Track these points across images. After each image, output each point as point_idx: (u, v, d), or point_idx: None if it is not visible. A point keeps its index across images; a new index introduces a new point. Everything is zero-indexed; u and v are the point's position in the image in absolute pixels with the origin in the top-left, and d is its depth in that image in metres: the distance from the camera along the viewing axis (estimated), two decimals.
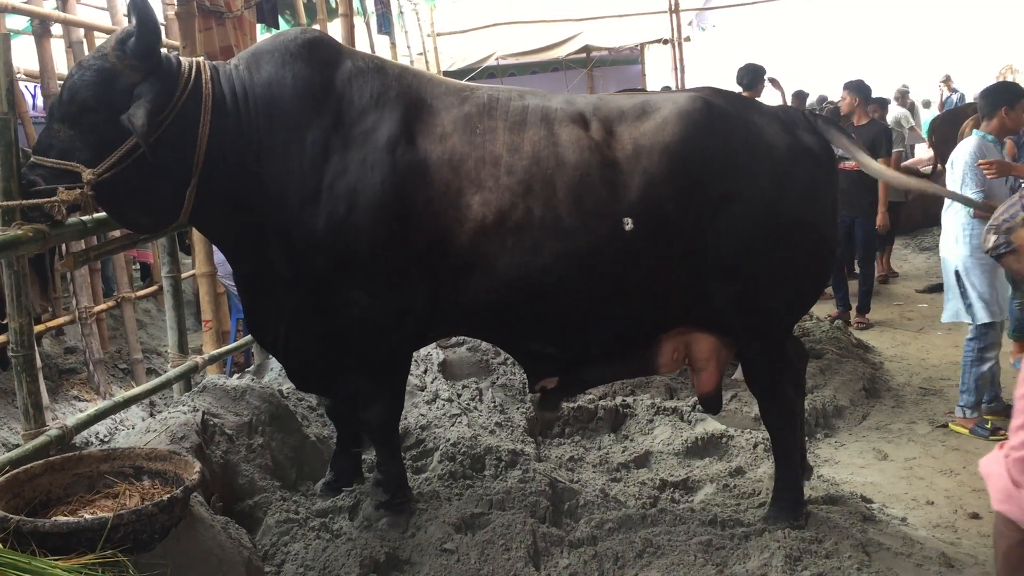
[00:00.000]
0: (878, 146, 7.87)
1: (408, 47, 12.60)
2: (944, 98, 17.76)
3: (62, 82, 3.47)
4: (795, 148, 3.55)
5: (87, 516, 2.93)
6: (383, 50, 10.62)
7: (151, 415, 5.71)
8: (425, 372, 5.29)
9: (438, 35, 14.19)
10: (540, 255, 3.37)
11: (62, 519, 2.83)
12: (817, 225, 3.60)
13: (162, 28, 4.57)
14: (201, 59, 3.46)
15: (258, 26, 6.27)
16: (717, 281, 3.51)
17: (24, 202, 3.12)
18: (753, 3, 16.58)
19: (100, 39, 6.77)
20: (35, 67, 6.47)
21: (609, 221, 3.38)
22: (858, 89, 8.25)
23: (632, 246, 3.39)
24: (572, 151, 3.40)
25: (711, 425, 5.05)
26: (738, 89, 8.23)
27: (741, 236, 3.45)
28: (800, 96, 13.65)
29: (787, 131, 3.59)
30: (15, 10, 5.73)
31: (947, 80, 17.86)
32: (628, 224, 3.37)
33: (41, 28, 6.08)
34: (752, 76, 8.22)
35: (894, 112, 12.78)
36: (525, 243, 3.36)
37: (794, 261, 3.56)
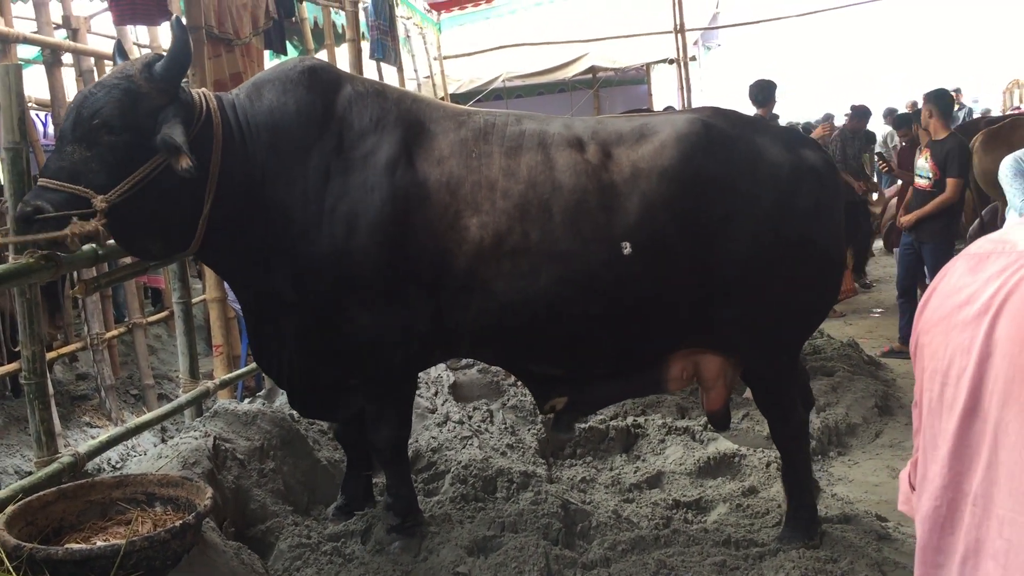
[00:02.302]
0: (949, 163, 7.42)
1: (415, 71, 12.67)
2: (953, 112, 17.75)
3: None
4: (798, 166, 3.55)
5: (100, 543, 2.93)
6: (390, 74, 10.68)
7: (163, 440, 5.73)
8: (436, 394, 5.29)
9: (445, 58, 14.26)
10: (538, 278, 3.37)
11: (75, 546, 2.83)
12: (822, 243, 3.60)
13: None
14: (205, 90, 3.48)
15: (265, 53, 6.32)
16: (722, 301, 3.51)
17: (37, 236, 3.02)
18: (757, 22, 16.66)
19: (109, 67, 6.84)
20: (45, 96, 6.53)
21: (607, 245, 3.37)
22: (937, 100, 7.62)
23: (631, 269, 3.38)
24: (568, 175, 3.40)
25: (723, 444, 5.02)
26: (751, 106, 8.22)
27: (744, 256, 3.45)
28: (828, 118, 13.72)
29: (789, 149, 3.58)
30: (26, 40, 5.79)
31: (956, 93, 17.85)
32: (626, 248, 3.36)
33: (52, 57, 6.15)
34: (765, 92, 8.21)
35: (881, 131, 12.78)
36: (522, 266, 3.37)
37: (799, 279, 3.56)
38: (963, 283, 1.41)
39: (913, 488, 1.60)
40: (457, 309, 3.44)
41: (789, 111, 8.69)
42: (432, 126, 3.51)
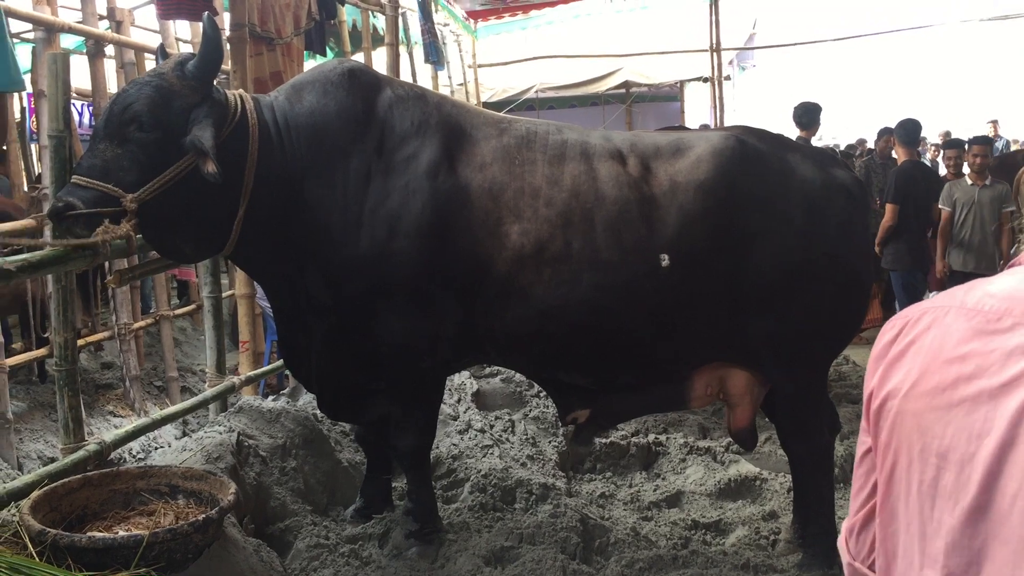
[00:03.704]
0: (887, 188, 7.71)
1: (449, 77, 12.73)
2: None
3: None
4: (829, 185, 3.58)
5: (122, 533, 2.95)
6: (424, 79, 10.73)
7: (184, 433, 5.76)
8: (459, 401, 5.28)
9: (479, 66, 14.32)
10: (576, 287, 3.38)
11: (98, 535, 2.85)
12: (851, 261, 3.62)
13: None
14: (242, 91, 3.50)
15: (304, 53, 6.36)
16: (751, 316, 3.52)
17: (69, 242, 3.03)
18: (794, 44, 16.60)
19: (150, 61, 6.91)
20: (86, 86, 6.60)
21: (645, 256, 3.40)
22: (899, 127, 7.83)
23: (667, 281, 3.41)
24: (611, 186, 3.42)
25: (744, 467, 4.98)
26: (793, 127, 8.17)
27: (775, 272, 3.47)
28: (860, 143, 13.65)
29: (820, 168, 3.63)
30: (71, 29, 5.85)
31: (994, 124, 17.66)
32: (664, 260, 3.39)
33: (95, 48, 6.21)
34: (809, 115, 8.16)
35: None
36: (562, 275, 3.38)
37: (828, 297, 3.57)
38: (969, 348, 1.16)
39: (853, 556, 1.40)
40: (492, 315, 3.44)
41: (822, 135, 8.60)
42: (473, 132, 3.52)
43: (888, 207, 7.58)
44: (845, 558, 1.43)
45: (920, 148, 10.77)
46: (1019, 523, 1.07)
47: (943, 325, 1.21)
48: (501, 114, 3.79)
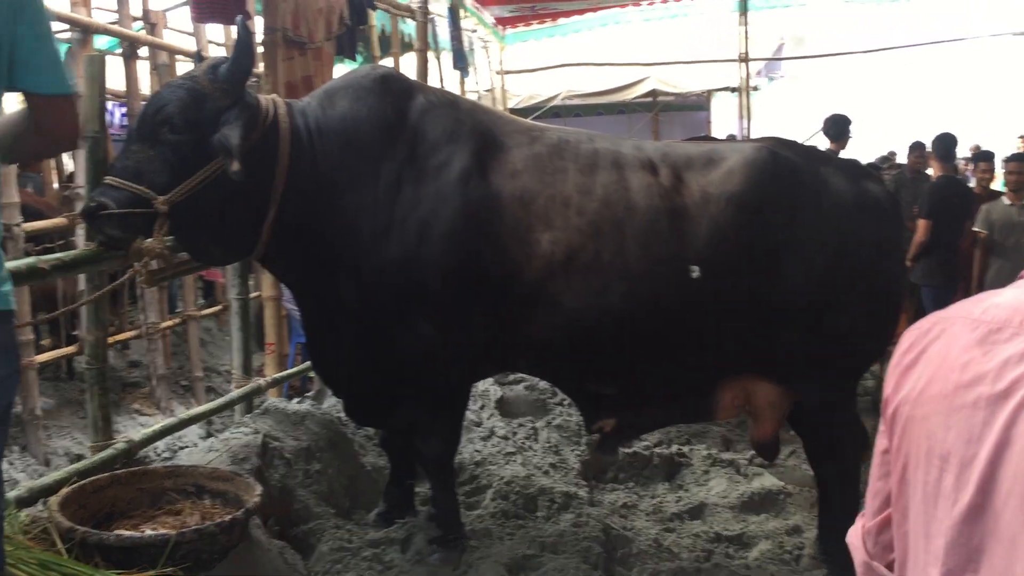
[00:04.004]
0: (921, 204, 7.60)
1: (476, 83, 12.77)
2: None
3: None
4: (860, 198, 3.55)
5: (150, 532, 2.97)
6: (451, 85, 10.77)
7: (208, 433, 5.79)
8: (482, 408, 5.29)
9: (506, 73, 14.35)
10: (606, 297, 3.38)
11: (126, 533, 2.88)
12: (882, 275, 3.59)
13: None
14: (275, 96, 3.52)
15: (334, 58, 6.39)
16: (780, 329, 3.49)
17: (109, 266, 3.14)
18: (823, 56, 16.52)
19: (183, 63, 6.98)
20: (119, 86, 6.67)
21: (676, 267, 3.39)
22: (935, 142, 7.81)
23: (697, 292, 3.39)
24: (642, 196, 3.42)
25: (768, 480, 4.95)
26: (823, 139, 8.13)
27: (805, 284, 3.44)
28: (891, 156, 13.53)
29: (852, 181, 3.59)
30: (106, 31, 5.93)
31: None
32: (695, 272, 3.37)
33: (130, 50, 6.28)
34: (838, 127, 8.10)
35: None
36: (592, 284, 3.37)
37: (858, 311, 3.53)
38: (970, 356, 1.23)
39: (871, 556, 1.46)
40: (520, 323, 3.44)
41: (850, 148, 8.49)
42: (504, 139, 3.52)
43: (921, 223, 7.49)
44: (859, 556, 1.48)
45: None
46: (1012, 520, 1.12)
47: (950, 335, 1.28)
48: (533, 122, 3.79)
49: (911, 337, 1.34)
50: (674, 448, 5.33)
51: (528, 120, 3.87)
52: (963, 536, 1.21)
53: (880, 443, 1.41)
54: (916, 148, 9.37)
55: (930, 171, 8.63)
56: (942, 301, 7.51)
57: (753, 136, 13.32)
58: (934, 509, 1.25)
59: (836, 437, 3.71)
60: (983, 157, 8.80)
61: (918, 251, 7.50)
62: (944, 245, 7.54)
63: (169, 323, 6.94)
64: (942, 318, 1.32)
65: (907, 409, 1.31)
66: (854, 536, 1.51)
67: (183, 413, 4.08)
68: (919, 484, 1.29)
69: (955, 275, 7.73)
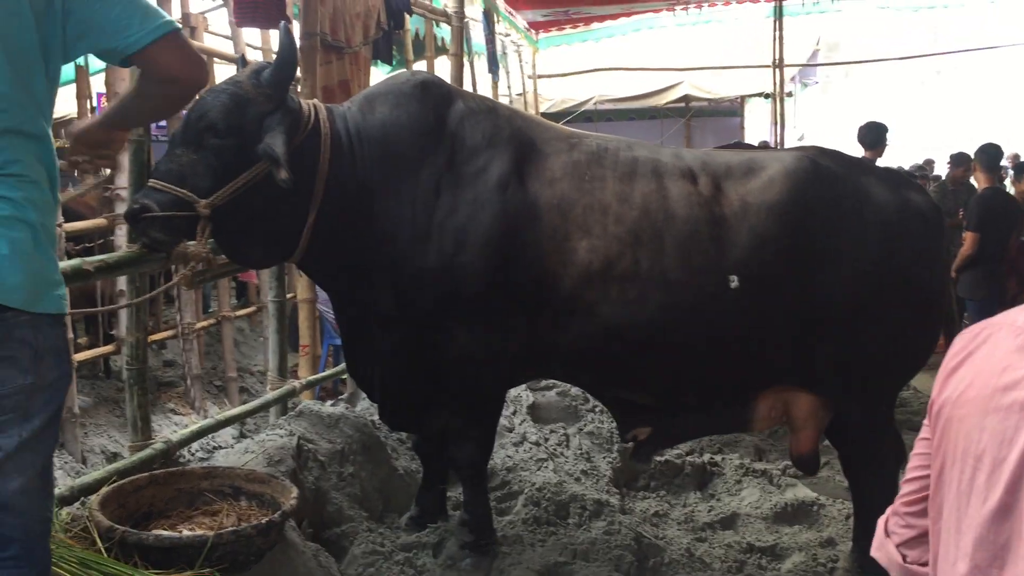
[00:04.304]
0: (968, 216, 7.59)
1: (508, 87, 12.79)
2: None
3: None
4: (903, 208, 3.52)
5: (187, 532, 3.00)
6: (485, 90, 10.80)
7: (241, 434, 5.84)
8: (514, 413, 5.28)
9: (539, 77, 14.37)
10: (643, 306, 3.37)
11: (165, 533, 2.91)
12: (925, 286, 3.55)
13: None
14: (316, 101, 3.54)
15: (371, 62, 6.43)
16: (820, 341, 3.47)
17: (159, 290, 3.15)
18: (857, 62, 16.40)
19: (221, 66, 7.04)
20: None
21: (715, 277, 3.37)
22: (980, 153, 7.73)
23: (736, 303, 3.37)
24: (682, 205, 3.40)
25: (801, 491, 4.91)
26: (859, 147, 8.06)
27: (846, 295, 3.42)
28: (928, 164, 13.42)
29: (895, 191, 3.56)
30: None
31: None
32: (734, 282, 3.36)
33: None
34: (875, 135, 8.02)
35: None
36: (629, 293, 3.36)
37: (900, 322, 3.50)
38: (1009, 362, 1.30)
39: (888, 534, 1.61)
40: (556, 331, 3.44)
41: (886, 156, 8.40)
42: (543, 146, 3.52)
43: (968, 235, 7.43)
44: (878, 536, 1.65)
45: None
46: None
47: (994, 341, 1.36)
48: (571, 129, 3.79)
49: (961, 341, 1.41)
50: (706, 457, 5.31)
51: (567, 127, 3.86)
52: (991, 533, 1.27)
53: (922, 432, 1.51)
54: (959, 160, 9.27)
55: (973, 182, 8.53)
56: (987, 313, 7.40)
57: (787, 142, 13.25)
58: (966, 506, 1.32)
59: (874, 449, 3.67)
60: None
61: (964, 263, 7.44)
62: (989, 257, 7.47)
63: (204, 323, 7.01)
64: (991, 324, 1.39)
65: (948, 410, 1.38)
66: (883, 519, 1.65)
67: (219, 414, 4.12)
68: (954, 482, 1.36)
69: (1002, 287, 7.65)
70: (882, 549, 1.64)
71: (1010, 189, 7.15)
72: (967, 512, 1.33)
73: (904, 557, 1.57)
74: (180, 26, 2.45)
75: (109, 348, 6.00)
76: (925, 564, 1.52)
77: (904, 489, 1.61)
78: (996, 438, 1.27)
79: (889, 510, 1.63)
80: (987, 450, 1.29)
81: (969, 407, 1.33)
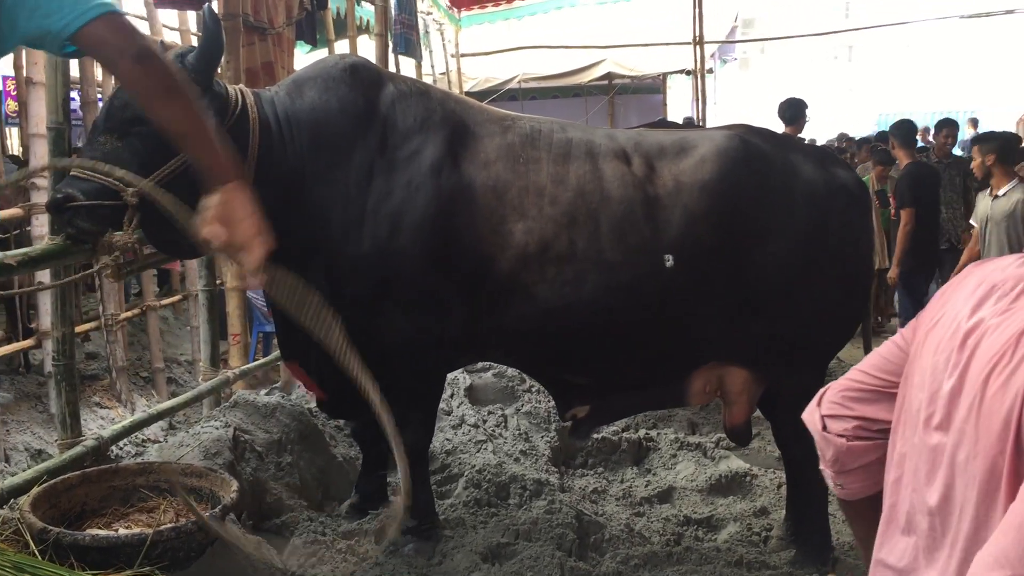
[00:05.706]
0: (899, 194, 7.90)
1: (432, 66, 12.67)
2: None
3: (100, 90, 3.42)
4: (830, 184, 3.61)
5: (124, 531, 2.93)
6: (407, 70, 10.67)
7: (171, 426, 5.72)
8: (452, 396, 5.28)
9: (462, 56, 14.27)
10: (580, 287, 3.39)
11: (102, 533, 2.84)
12: (852, 260, 3.66)
13: None
14: (243, 86, 3.46)
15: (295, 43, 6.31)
16: (754, 316, 3.54)
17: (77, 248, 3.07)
18: (776, 39, 16.69)
19: None
20: (72, 73, 6.50)
21: (650, 256, 3.41)
22: (895, 129, 8.09)
23: (672, 281, 3.42)
24: (616, 186, 3.43)
25: (735, 463, 5.01)
26: (779, 123, 8.20)
27: (778, 271, 3.49)
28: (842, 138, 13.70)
29: (822, 168, 3.65)
30: None
31: (974, 123, 17.62)
32: (669, 260, 3.40)
33: None
34: (794, 110, 8.17)
35: None
36: (566, 274, 3.38)
37: (830, 296, 3.60)
38: (960, 308, 1.51)
39: (819, 404, 1.83)
40: (495, 313, 3.44)
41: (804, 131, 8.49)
42: (477, 129, 3.50)
43: (905, 212, 7.63)
44: (812, 404, 1.88)
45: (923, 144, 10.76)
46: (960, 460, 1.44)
47: (964, 284, 1.57)
48: (504, 111, 3.77)
49: (965, 273, 1.61)
50: (642, 432, 5.38)
51: (501, 109, 3.84)
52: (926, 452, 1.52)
53: (896, 337, 1.75)
54: (943, 126, 9.21)
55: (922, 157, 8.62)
56: (911, 287, 7.64)
57: (708, 119, 13.44)
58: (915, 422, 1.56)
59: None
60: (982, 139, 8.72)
61: (909, 240, 7.62)
62: (924, 227, 7.72)
63: (128, 314, 6.82)
64: (975, 265, 1.62)
65: (921, 333, 1.60)
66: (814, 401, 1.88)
67: (152, 408, 4.03)
68: (911, 399, 1.58)
69: (930, 261, 7.88)
70: (811, 415, 1.85)
71: (977, 159, 7.00)
72: (915, 430, 1.56)
73: (824, 427, 1.79)
74: (118, 8, 2.36)
75: (29, 342, 5.80)
76: (841, 436, 1.78)
77: (854, 375, 1.81)
78: (938, 368, 1.49)
79: (831, 386, 1.83)
80: (930, 377, 1.51)
81: (932, 334, 1.54)
